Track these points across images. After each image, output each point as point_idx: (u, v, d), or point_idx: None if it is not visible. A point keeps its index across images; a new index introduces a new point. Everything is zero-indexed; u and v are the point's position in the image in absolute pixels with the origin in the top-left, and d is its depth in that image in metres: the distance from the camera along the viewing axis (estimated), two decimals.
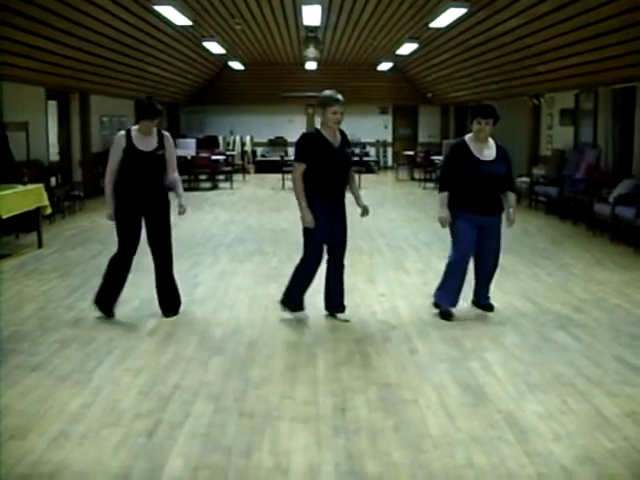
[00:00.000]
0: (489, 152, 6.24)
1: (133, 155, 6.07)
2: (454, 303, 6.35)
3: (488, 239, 6.33)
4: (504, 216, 6.36)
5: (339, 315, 6.30)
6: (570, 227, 11.85)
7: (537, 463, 3.61)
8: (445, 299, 6.36)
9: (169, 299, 6.43)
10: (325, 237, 6.09)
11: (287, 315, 6.29)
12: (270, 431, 4.00)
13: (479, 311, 6.49)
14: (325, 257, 6.24)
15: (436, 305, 6.44)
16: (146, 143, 6.15)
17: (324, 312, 6.39)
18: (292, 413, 4.26)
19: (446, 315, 6.28)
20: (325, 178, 6.01)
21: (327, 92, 6.06)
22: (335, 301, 6.32)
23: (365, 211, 6.34)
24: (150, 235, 6.34)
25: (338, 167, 6.05)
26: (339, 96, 5.97)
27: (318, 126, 6.15)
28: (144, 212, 6.26)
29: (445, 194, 6.23)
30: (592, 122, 13.31)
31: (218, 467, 3.59)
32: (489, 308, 6.53)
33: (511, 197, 6.37)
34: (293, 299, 6.27)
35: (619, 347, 5.51)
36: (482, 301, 6.58)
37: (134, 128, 6.19)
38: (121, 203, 6.14)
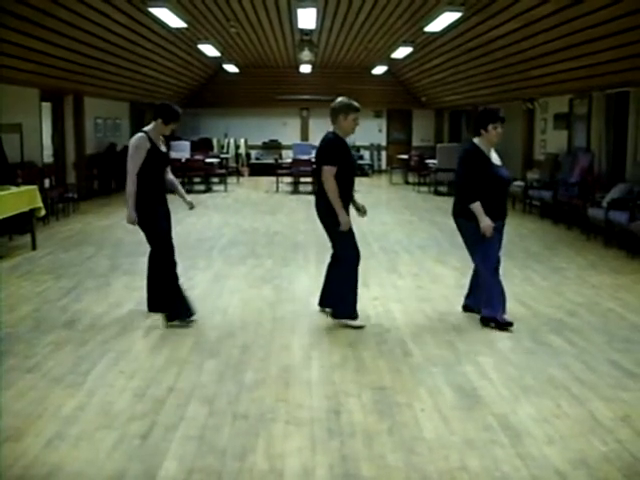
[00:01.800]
0: (496, 156, 6.27)
1: (156, 156, 6.21)
2: (505, 310, 6.24)
3: (500, 243, 6.28)
4: None
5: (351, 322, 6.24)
6: (564, 231, 11.88)
7: (531, 466, 3.62)
8: (498, 310, 6.16)
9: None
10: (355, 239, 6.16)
11: (352, 323, 6.15)
12: (264, 434, 4.01)
13: (473, 315, 6.49)
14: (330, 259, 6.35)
15: (490, 319, 6.16)
16: (161, 144, 6.34)
17: (318, 312, 6.40)
18: (286, 416, 4.27)
19: (509, 324, 6.11)
20: (349, 182, 6.11)
21: (345, 99, 6.17)
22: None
23: (364, 210, 6.38)
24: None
25: (356, 171, 6.20)
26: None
27: (333, 130, 6.14)
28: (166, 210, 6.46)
29: (479, 203, 5.96)
30: (586, 126, 13.36)
31: (212, 469, 3.59)
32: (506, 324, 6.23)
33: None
34: (352, 307, 6.19)
35: (613, 351, 5.53)
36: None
37: (149, 129, 6.23)
38: (151, 204, 6.23)
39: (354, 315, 6.19)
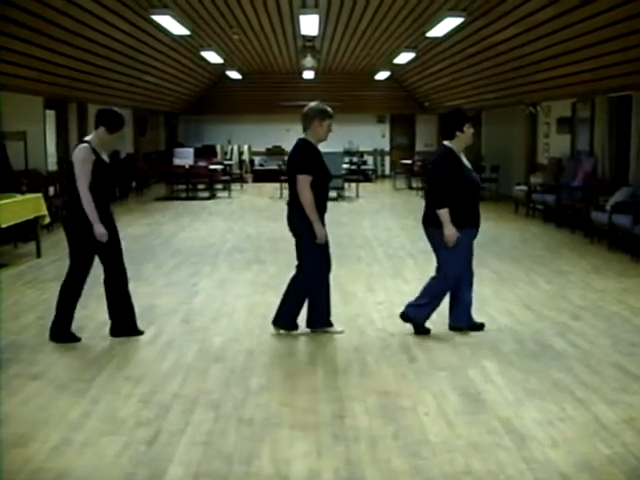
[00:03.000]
0: (466, 160, 6.01)
1: (101, 168, 5.76)
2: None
3: (473, 251, 6.14)
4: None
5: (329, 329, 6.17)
6: (567, 235, 11.88)
7: (535, 469, 3.63)
8: (465, 319, 6.13)
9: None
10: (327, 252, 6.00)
11: (330, 329, 6.10)
12: (270, 439, 4.02)
13: (477, 319, 6.46)
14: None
15: (458, 328, 6.11)
16: (104, 154, 5.89)
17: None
18: (292, 421, 4.28)
19: (427, 331, 6.06)
20: (324, 191, 5.90)
21: (320, 105, 5.91)
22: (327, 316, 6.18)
23: None
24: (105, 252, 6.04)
25: (329, 180, 5.97)
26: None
27: (304, 137, 5.91)
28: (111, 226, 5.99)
29: (447, 210, 5.70)
30: (589, 130, 13.36)
31: (218, 475, 3.60)
32: (481, 326, 6.24)
33: None
34: (325, 315, 6.10)
35: (617, 354, 5.53)
36: (472, 320, 6.21)
37: (91, 139, 5.76)
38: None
39: (291, 327, 6.06)
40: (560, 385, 4.86)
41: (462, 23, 11.86)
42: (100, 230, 5.71)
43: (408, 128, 26.37)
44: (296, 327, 6.08)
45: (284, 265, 9.16)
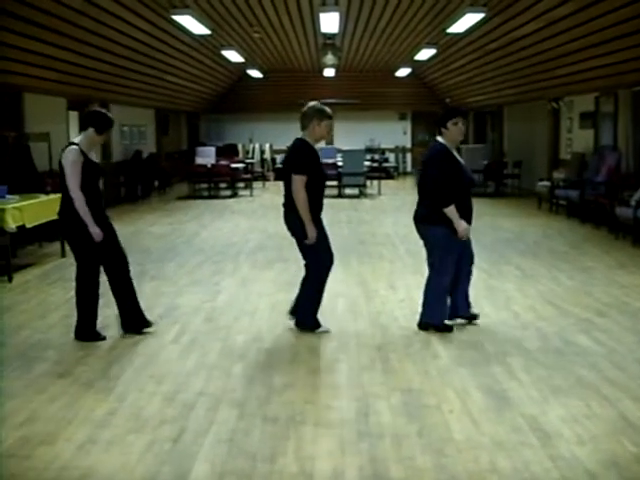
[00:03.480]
0: (459, 156, 6.01)
1: (91, 169, 5.79)
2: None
3: (469, 246, 6.12)
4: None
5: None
6: (591, 230, 11.79)
7: (561, 467, 3.60)
8: (442, 316, 6.04)
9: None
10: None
11: (316, 330, 6.08)
12: (294, 436, 4.02)
13: (500, 316, 6.48)
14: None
15: (439, 326, 6.01)
16: (92, 155, 5.93)
17: (345, 314, 6.41)
18: (315, 418, 4.28)
19: (451, 328, 6.05)
20: (319, 191, 5.94)
21: (318, 105, 5.94)
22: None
23: None
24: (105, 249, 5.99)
25: (325, 180, 6.01)
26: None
27: (302, 136, 5.99)
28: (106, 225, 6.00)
29: (453, 207, 5.67)
30: (612, 125, 13.24)
31: (243, 472, 3.62)
32: (475, 317, 6.25)
33: None
34: (312, 318, 6.07)
35: None
36: (468, 311, 6.23)
37: (80, 140, 5.78)
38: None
39: (315, 325, 6.04)
40: (585, 382, 4.83)
41: (483, 19, 11.82)
42: (95, 230, 5.70)
43: (430, 125, 26.25)
44: (319, 325, 6.06)
45: None
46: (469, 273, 6.16)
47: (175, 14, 11.16)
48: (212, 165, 18.69)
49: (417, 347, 5.67)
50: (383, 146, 25.11)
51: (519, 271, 8.49)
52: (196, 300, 7.29)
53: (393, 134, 25.74)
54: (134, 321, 6.12)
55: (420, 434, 4.03)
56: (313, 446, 3.90)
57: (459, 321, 6.17)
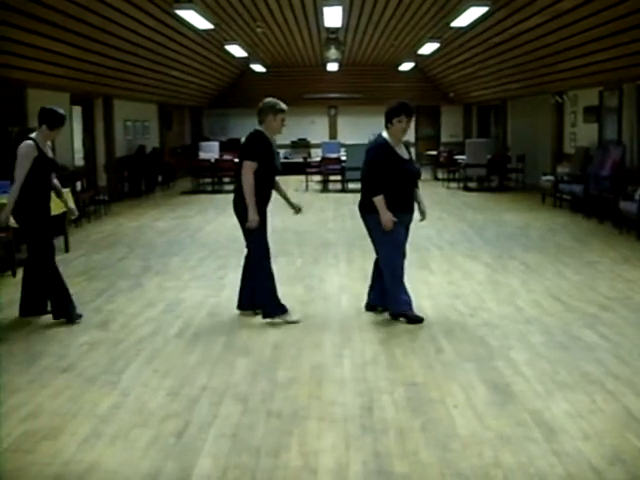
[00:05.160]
0: (402, 150, 6.30)
1: (43, 163, 6.23)
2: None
3: (407, 237, 6.33)
4: (418, 211, 6.36)
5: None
6: (595, 225, 11.76)
7: (566, 462, 3.59)
8: (407, 304, 6.18)
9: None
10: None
11: (287, 318, 6.23)
12: (298, 431, 4.02)
13: (503, 310, 6.47)
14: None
15: (399, 315, 6.19)
16: (48, 150, 6.38)
17: (348, 309, 6.42)
18: (319, 413, 4.28)
19: (419, 319, 6.14)
20: (269, 180, 6.23)
21: (273, 100, 6.31)
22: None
23: (298, 208, 6.95)
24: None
25: (278, 171, 6.33)
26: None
27: (260, 128, 6.29)
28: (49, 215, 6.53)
29: (382, 197, 5.98)
30: (617, 119, 13.20)
31: (247, 467, 3.61)
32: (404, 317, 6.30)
33: (418, 192, 6.39)
34: (275, 303, 6.25)
35: None
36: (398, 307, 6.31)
37: (36, 136, 6.23)
38: (35, 209, 6.22)
39: (281, 310, 6.23)
40: (590, 377, 4.81)
41: (486, 12, 11.77)
42: (5, 219, 6.17)
43: (433, 119, 26.23)
44: (285, 309, 6.25)
45: (310, 258, 9.19)
46: (403, 269, 6.30)
47: (179, 9, 11.13)
48: (216, 160, 18.71)
49: (421, 342, 5.67)
50: None
51: (523, 266, 8.47)
52: (200, 295, 7.29)
53: None
54: (35, 306, 6.45)
55: (424, 429, 4.03)
56: (317, 441, 3.90)
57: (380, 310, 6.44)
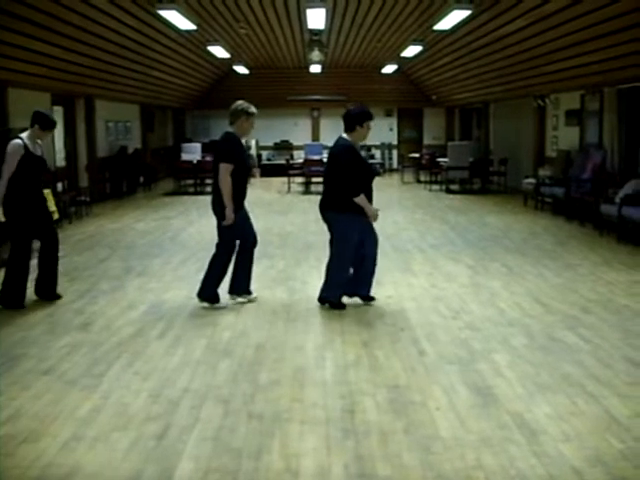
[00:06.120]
0: (360, 150, 6.71)
1: (31, 161, 6.66)
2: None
3: (373, 231, 6.66)
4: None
5: (247, 297, 6.96)
6: (576, 228, 11.83)
7: (547, 464, 3.61)
8: (340, 291, 6.66)
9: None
10: (240, 233, 6.79)
11: (205, 305, 6.74)
12: (280, 434, 4.01)
13: (487, 312, 6.49)
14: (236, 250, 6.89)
15: (326, 300, 6.69)
16: (37, 149, 6.81)
17: (329, 311, 6.42)
18: (301, 416, 4.27)
19: (344, 306, 6.63)
20: (243, 180, 6.65)
21: (245, 103, 6.62)
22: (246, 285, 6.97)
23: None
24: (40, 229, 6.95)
25: (248, 171, 6.84)
26: None
27: (232, 130, 6.60)
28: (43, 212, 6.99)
29: (363, 196, 6.36)
30: (598, 122, 13.29)
31: (228, 470, 3.60)
32: (372, 298, 6.85)
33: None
34: (213, 291, 6.74)
35: (628, 348, 5.50)
36: (366, 292, 6.81)
37: (25, 135, 6.71)
38: (23, 206, 6.67)
39: (214, 300, 6.73)
40: (571, 379, 4.84)
41: (469, 15, 11.80)
42: None
43: (416, 122, 26.30)
44: (218, 299, 6.75)
45: (292, 260, 9.18)
46: (374, 256, 6.71)
47: (161, 9, 11.08)
48: (198, 161, 18.65)
49: (403, 344, 5.67)
50: (369, 143, 25.07)
51: (505, 268, 8.51)
52: (181, 296, 7.26)
53: (379, 131, 25.66)
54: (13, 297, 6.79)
55: (406, 431, 4.03)
56: (299, 443, 3.89)
57: (356, 300, 6.82)
